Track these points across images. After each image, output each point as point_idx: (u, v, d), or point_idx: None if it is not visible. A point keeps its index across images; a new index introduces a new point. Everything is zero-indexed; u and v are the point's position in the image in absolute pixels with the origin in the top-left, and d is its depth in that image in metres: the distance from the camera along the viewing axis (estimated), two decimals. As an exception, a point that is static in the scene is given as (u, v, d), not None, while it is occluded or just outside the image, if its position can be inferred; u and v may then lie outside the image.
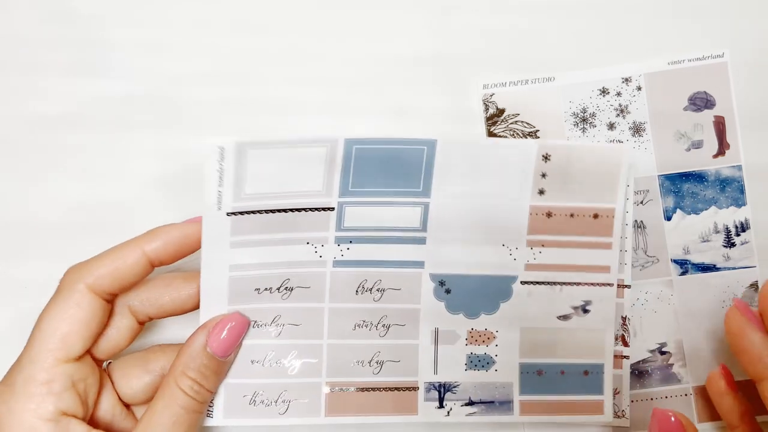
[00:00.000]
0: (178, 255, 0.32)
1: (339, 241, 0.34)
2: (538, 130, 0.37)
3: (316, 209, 0.34)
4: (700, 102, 0.37)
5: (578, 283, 0.35)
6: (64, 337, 0.30)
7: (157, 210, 0.37)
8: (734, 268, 0.37)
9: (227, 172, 0.32)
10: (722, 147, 0.37)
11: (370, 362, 0.35)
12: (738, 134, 0.37)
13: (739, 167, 0.37)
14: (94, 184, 0.37)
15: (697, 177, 0.37)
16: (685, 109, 0.37)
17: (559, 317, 0.35)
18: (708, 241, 0.37)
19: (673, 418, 0.32)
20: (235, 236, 0.33)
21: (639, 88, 0.37)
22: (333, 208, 0.34)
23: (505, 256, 0.35)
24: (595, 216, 0.35)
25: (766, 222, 0.37)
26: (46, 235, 0.37)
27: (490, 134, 0.38)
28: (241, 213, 0.33)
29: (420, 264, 0.35)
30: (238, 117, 0.37)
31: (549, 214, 0.35)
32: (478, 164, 0.34)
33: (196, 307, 0.33)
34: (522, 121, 0.37)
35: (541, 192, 0.34)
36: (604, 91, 0.37)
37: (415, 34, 0.38)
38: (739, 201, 0.37)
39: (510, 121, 0.37)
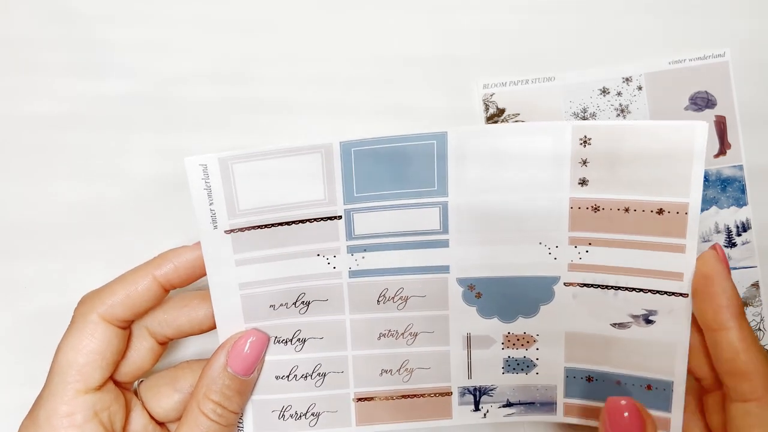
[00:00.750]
0: (191, 278, 0.32)
1: (352, 250, 0.32)
2: (538, 130, 0.37)
3: (321, 219, 0.31)
4: (701, 102, 0.37)
5: (639, 290, 0.31)
6: (81, 369, 0.30)
7: (157, 210, 0.37)
8: (735, 268, 0.37)
9: (216, 190, 0.30)
10: (723, 147, 0.37)
11: (399, 370, 0.33)
12: (739, 134, 0.37)
13: (740, 167, 0.37)
14: (94, 184, 0.37)
15: (698, 177, 0.37)
16: (686, 108, 0.37)
17: (614, 325, 0.31)
18: (709, 241, 0.37)
19: (626, 413, 0.29)
20: (238, 254, 0.31)
21: (640, 88, 0.37)
22: (340, 217, 0.31)
23: (544, 255, 0.31)
24: (660, 211, 0.29)
25: (767, 222, 0.37)
26: (46, 235, 0.37)
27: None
28: (240, 230, 0.31)
29: (444, 268, 0.32)
30: (238, 117, 0.37)
31: (596, 208, 0.30)
32: (499, 154, 0.30)
33: (215, 326, 0.32)
34: (522, 121, 0.37)
35: (583, 182, 0.30)
36: (604, 91, 0.37)
37: (415, 34, 0.38)
38: (740, 201, 0.37)
39: (510, 121, 0.37)
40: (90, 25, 0.38)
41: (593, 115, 0.37)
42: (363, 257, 0.32)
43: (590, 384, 0.32)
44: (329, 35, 0.38)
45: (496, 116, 0.37)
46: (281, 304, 0.32)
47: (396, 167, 0.30)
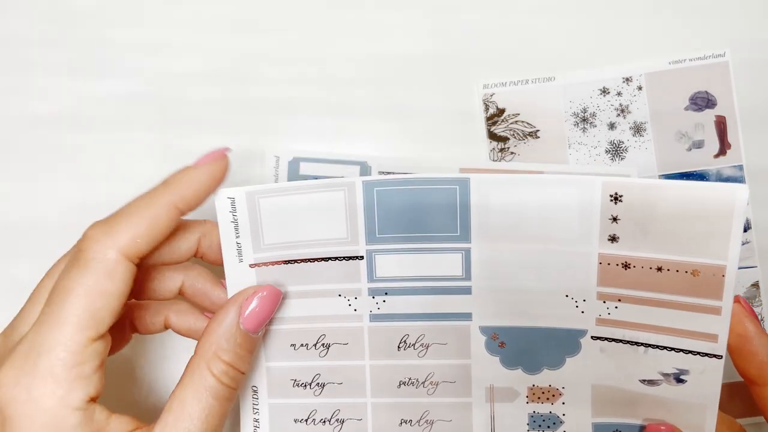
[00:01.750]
0: (206, 197, 0.29)
1: (373, 293, 0.31)
2: (538, 130, 0.37)
3: (344, 258, 0.31)
4: (701, 101, 0.37)
5: (671, 348, 0.29)
6: (96, 314, 0.26)
7: (157, 210, 0.37)
8: (735, 269, 0.37)
9: (242, 223, 0.30)
10: (723, 147, 0.37)
11: (419, 421, 0.32)
12: (739, 134, 0.37)
13: (741, 167, 0.37)
14: (94, 184, 0.37)
15: (698, 177, 0.37)
16: (686, 108, 0.37)
17: (643, 381, 0.30)
18: (709, 241, 0.37)
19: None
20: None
21: (640, 88, 0.37)
22: (362, 257, 0.30)
23: (570, 308, 0.30)
24: (695, 273, 0.28)
25: (767, 222, 0.37)
26: (46, 235, 0.37)
27: (491, 134, 0.37)
28: (264, 264, 0.30)
29: (467, 316, 0.31)
30: (238, 117, 0.37)
31: (626, 266, 0.29)
32: (524, 205, 0.29)
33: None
34: (522, 121, 0.37)
35: (613, 239, 0.29)
36: (604, 91, 0.37)
37: (415, 34, 0.38)
38: (740, 201, 0.37)
39: (510, 121, 0.37)
40: (90, 25, 0.38)
41: (593, 115, 0.37)
42: (384, 301, 0.31)
43: None
44: (329, 35, 0.38)
45: (496, 116, 0.37)
46: (302, 345, 0.31)
47: (418, 210, 0.30)
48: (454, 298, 0.31)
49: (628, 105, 0.37)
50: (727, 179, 0.37)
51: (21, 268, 0.37)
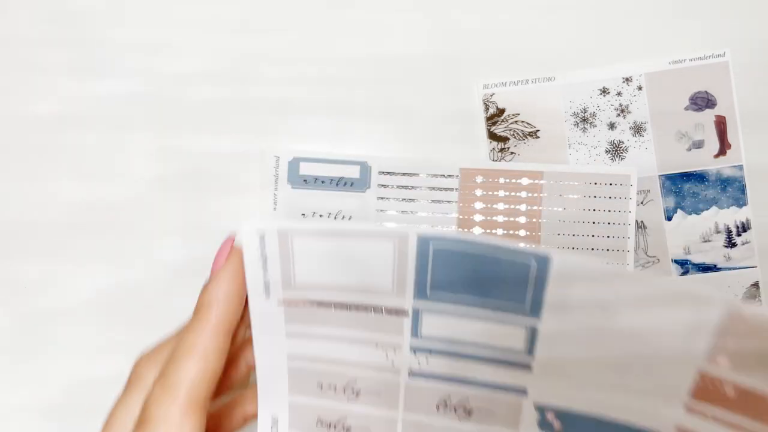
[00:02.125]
0: (243, 299, 0.28)
1: (415, 350, 0.27)
2: (538, 130, 0.37)
3: (386, 311, 0.27)
4: (701, 102, 0.37)
5: None
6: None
7: (157, 210, 0.37)
8: (735, 268, 0.37)
9: (271, 260, 0.27)
10: (723, 147, 0.37)
11: None
12: (739, 134, 0.37)
13: (741, 167, 0.37)
14: (94, 184, 0.37)
15: (698, 177, 0.37)
16: (686, 108, 0.37)
17: None
18: (709, 241, 0.37)
19: None
20: (290, 326, 0.28)
21: (640, 88, 0.37)
22: (407, 313, 0.27)
23: (649, 408, 0.26)
24: None
25: (767, 222, 0.37)
26: (46, 235, 0.37)
27: (491, 134, 0.37)
28: (295, 303, 0.28)
29: (521, 391, 0.27)
30: (238, 117, 0.37)
31: (721, 386, 0.25)
32: (619, 303, 0.24)
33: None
34: (522, 121, 0.37)
35: (718, 362, 0.24)
36: (604, 91, 0.37)
37: (415, 34, 0.38)
38: (740, 201, 0.37)
39: (510, 121, 0.37)
40: (90, 25, 0.38)
41: (593, 115, 0.37)
42: (427, 360, 0.27)
43: None
44: (329, 35, 0.38)
45: (496, 116, 0.37)
46: (330, 386, 0.28)
47: (480, 273, 0.25)
48: (510, 371, 0.26)
49: (628, 105, 0.37)
50: (727, 179, 0.37)
51: (21, 268, 0.37)
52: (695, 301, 0.23)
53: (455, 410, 0.28)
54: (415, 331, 0.27)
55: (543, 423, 0.27)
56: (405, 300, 0.26)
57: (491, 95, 0.37)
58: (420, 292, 0.26)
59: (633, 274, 0.25)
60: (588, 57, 0.37)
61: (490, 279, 0.25)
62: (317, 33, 0.38)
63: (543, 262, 0.24)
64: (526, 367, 0.26)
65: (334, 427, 0.29)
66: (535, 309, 0.25)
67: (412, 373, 0.28)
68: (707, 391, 0.24)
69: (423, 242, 0.25)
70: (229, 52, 0.38)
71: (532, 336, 0.26)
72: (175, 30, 0.38)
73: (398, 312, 0.27)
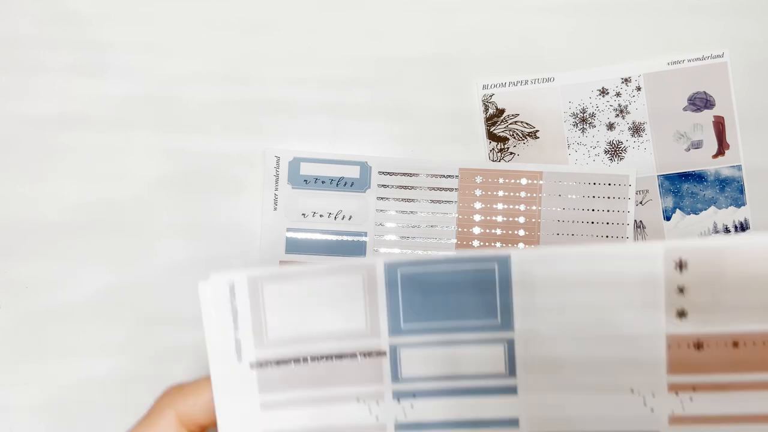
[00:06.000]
0: None
1: (398, 396, 0.26)
2: (537, 131, 0.37)
3: (363, 354, 0.26)
4: (700, 102, 0.37)
5: None
6: None
7: (157, 210, 0.37)
8: (734, 268, 0.37)
9: (242, 314, 0.26)
10: (722, 147, 0.37)
11: None
12: (738, 134, 0.37)
13: (739, 167, 0.37)
14: (94, 184, 0.37)
15: (697, 177, 0.37)
16: (685, 109, 0.37)
17: None
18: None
19: None
20: (265, 395, 0.26)
21: (638, 89, 0.37)
22: (384, 353, 0.26)
23: (638, 406, 0.25)
24: None
25: (765, 222, 0.37)
26: (46, 235, 0.37)
27: (490, 134, 0.37)
28: (268, 364, 0.26)
29: (513, 423, 0.26)
30: (238, 117, 0.37)
31: (699, 345, 0.25)
32: (573, 283, 0.25)
33: None
34: (521, 122, 0.37)
35: (682, 314, 0.25)
36: (603, 92, 0.37)
37: (415, 34, 0.38)
38: (738, 201, 0.37)
39: (509, 122, 0.37)
40: (90, 25, 0.38)
41: (592, 116, 0.37)
42: (411, 406, 0.26)
43: None
44: (329, 35, 0.38)
45: (495, 116, 0.37)
46: None
47: (449, 293, 0.26)
48: (496, 401, 0.26)
49: (627, 105, 0.37)
50: (725, 179, 0.37)
51: (21, 268, 0.37)
52: (639, 255, 0.24)
53: None
54: (395, 373, 0.26)
55: None
56: (380, 339, 0.26)
57: (491, 96, 0.37)
58: (394, 326, 0.26)
59: (581, 250, 0.25)
60: (587, 58, 0.37)
61: (460, 297, 0.25)
62: (317, 33, 0.38)
63: (504, 261, 0.25)
64: (512, 390, 0.26)
65: None
66: (507, 319, 0.25)
67: (398, 426, 0.26)
68: (681, 358, 0.25)
69: (391, 270, 0.25)
70: (230, 52, 0.38)
71: (510, 351, 0.26)
72: (175, 30, 0.38)
73: (375, 353, 0.26)
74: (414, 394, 0.26)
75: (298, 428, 0.26)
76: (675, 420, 0.25)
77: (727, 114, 0.37)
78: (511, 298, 0.25)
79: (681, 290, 0.25)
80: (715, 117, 0.37)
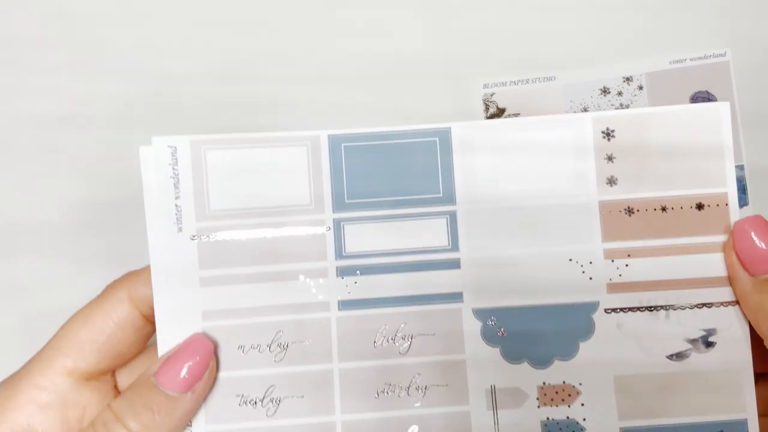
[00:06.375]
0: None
1: (342, 272, 0.26)
2: (538, 130, 0.37)
3: (306, 230, 0.26)
4: (702, 101, 0.37)
5: (693, 305, 0.26)
6: (79, 344, 0.25)
7: (156, 210, 0.37)
8: (736, 269, 0.37)
9: (184, 181, 0.25)
10: (724, 147, 0.37)
11: None
12: (740, 134, 0.37)
13: (741, 167, 0.37)
14: (94, 184, 0.37)
15: (699, 177, 0.37)
16: (687, 108, 0.37)
17: (671, 357, 0.26)
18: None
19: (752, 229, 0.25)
20: (205, 270, 0.25)
21: (640, 88, 0.37)
22: (328, 228, 0.26)
23: (577, 274, 0.26)
24: (700, 206, 0.26)
25: None
26: (46, 235, 0.37)
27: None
28: (209, 236, 0.25)
29: (457, 297, 0.26)
30: (237, 117, 0.37)
31: (630, 211, 0.26)
32: (510, 153, 0.26)
33: None
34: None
35: (612, 181, 0.26)
36: (605, 91, 0.37)
37: (415, 34, 0.38)
38: (741, 201, 0.37)
39: (510, 121, 0.37)
40: (89, 25, 0.38)
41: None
42: (355, 282, 0.26)
43: None
44: (329, 35, 0.38)
45: (496, 116, 0.37)
46: (252, 347, 0.26)
47: (394, 168, 0.26)
48: (440, 275, 0.26)
49: (628, 104, 0.37)
50: (728, 179, 0.37)
51: (21, 268, 0.37)
52: (570, 125, 0.26)
53: (394, 341, 0.26)
54: (338, 249, 0.26)
55: (486, 332, 0.26)
56: (325, 215, 0.26)
57: (491, 95, 0.37)
58: (338, 201, 0.26)
59: (518, 120, 0.27)
60: (588, 56, 0.37)
61: (403, 171, 0.26)
62: (317, 33, 0.38)
63: (445, 135, 0.26)
64: (455, 264, 0.26)
65: (260, 403, 0.25)
66: (449, 191, 0.26)
67: (342, 304, 0.26)
68: (614, 224, 0.26)
69: (335, 143, 0.26)
70: (229, 52, 0.38)
71: (453, 224, 0.26)
72: (175, 30, 0.38)
73: (319, 227, 0.26)
74: (358, 271, 0.26)
75: (239, 307, 0.25)
76: (613, 287, 0.26)
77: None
78: (452, 170, 0.26)
79: (610, 158, 0.26)
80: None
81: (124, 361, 0.27)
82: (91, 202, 0.37)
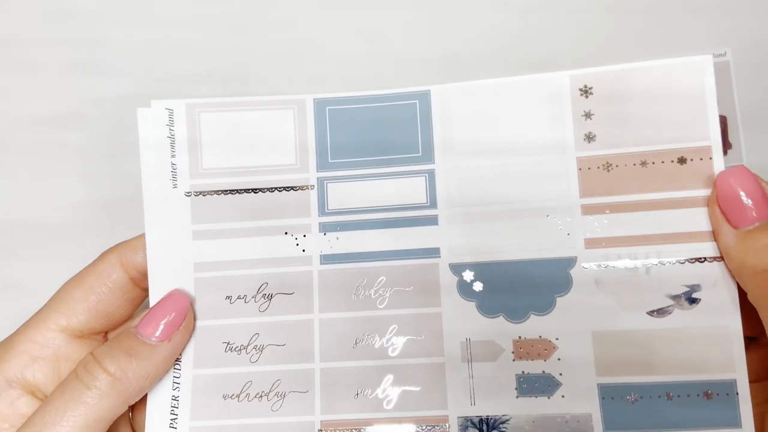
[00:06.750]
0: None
1: (325, 228, 0.27)
2: (538, 130, 0.37)
3: (292, 188, 0.27)
4: (702, 101, 0.37)
5: (675, 261, 0.25)
6: (71, 303, 0.27)
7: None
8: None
9: (180, 141, 0.27)
10: (724, 147, 0.37)
11: (379, 391, 0.26)
12: (740, 134, 0.37)
13: (742, 167, 0.37)
14: (94, 184, 0.37)
15: (699, 177, 0.37)
16: (687, 108, 0.37)
17: (652, 313, 0.25)
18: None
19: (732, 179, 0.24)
20: (197, 224, 0.27)
21: (640, 88, 0.37)
22: (312, 186, 0.27)
23: (554, 230, 0.26)
24: (682, 160, 0.26)
25: None
26: (46, 235, 0.37)
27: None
28: (202, 193, 0.27)
29: (434, 252, 0.27)
30: (237, 117, 0.37)
31: (608, 166, 0.26)
32: (488, 114, 0.26)
33: None
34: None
35: (590, 137, 0.26)
36: (605, 91, 0.37)
37: (416, 34, 0.38)
38: (741, 201, 0.37)
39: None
40: (89, 25, 0.38)
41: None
42: (337, 238, 0.27)
43: (635, 405, 0.25)
44: (329, 35, 0.38)
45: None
46: (239, 297, 0.27)
47: (375, 130, 0.27)
48: (419, 231, 0.27)
49: (628, 105, 0.37)
50: (728, 179, 0.37)
51: (21, 268, 0.37)
52: (546, 84, 0.26)
53: (372, 294, 0.27)
54: (321, 206, 0.27)
55: (462, 286, 0.26)
56: (309, 174, 0.27)
57: (491, 95, 0.37)
58: (322, 161, 0.27)
59: (494, 81, 0.27)
60: (588, 57, 0.37)
61: (384, 133, 0.27)
62: (317, 33, 0.38)
63: (424, 97, 0.27)
64: (433, 220, 0.27)
65: (245, 349, 0.27)
66: (427, 151, 0.27)
67: (324, 258, 0.27)
68: (592, 180, 0.26)
69: (320, 106, 0.28)
70: (229, 51, 0.38)
71: (431, 183, 0.27)
72: (174, 30, 0.38)
73: (303, 188, 0.27)
74: (340, 227, 0.27)
75: (227, 260, 0.27)
76: (591, 243, 0.26)
77: (729, 113, 0.37)
78: (431, 131, 0.27)
79: (588, 115, 0.26)
80: (719, 117, 0.37)
81: (114, 322, 0.28)
82: (91, 202, 0.37)
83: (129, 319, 0.29)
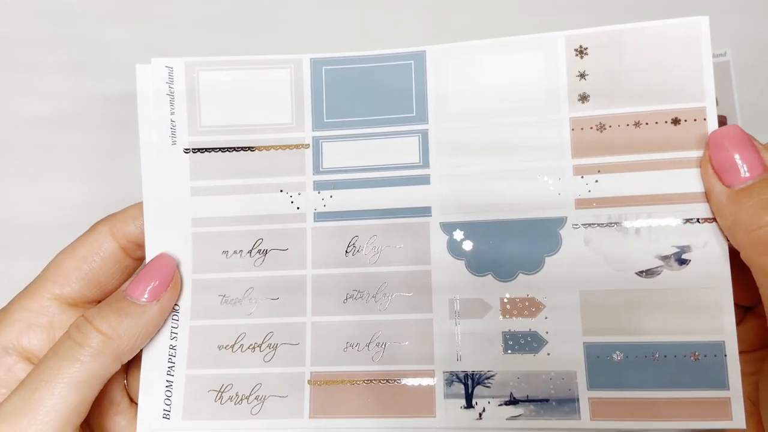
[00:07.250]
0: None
1: (319, 187, 0.28)
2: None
3: (287, 146, 0.28)
4: (702, 101, 0.37)
5: (665, 221, 0.25)
6: (65, 272, 0.28)
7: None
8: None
9: (179, 98, 0.28)
10: (724, 147, 0.37)
11: (367, 345, 0.27)
12: (740, 134, 0.37)
13: (741, 167, 0.37)
14: (94, 184, 0.37)
15: (699, 177, 0.37)
16: (687, 108, 0.37)
17: (641, 273, 0.25)
18: (709, 241, 0.37)
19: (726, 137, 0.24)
20: (196, 180, 0.28)
21: (640, 88, 0.37)
22: (308, 145, 0.28)
23: (545, 190, 0.26)
24: (676, 121, 0.26)
25: None
26: (46, 235, 0.37)
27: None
28: (200, 150, 0.28)
29: (426, 211, 0.27)
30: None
31: (601, 127, 0.26)
32: (484, 73, 0.27)
33: None
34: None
35: (584, 98, 0.26)
36: (605, 91, 0.37)
37: (416, 34, 0.38)
38: (741, 201, 0.37)
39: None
40: (89, 25, 0.38)
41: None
42: (331, 196, 0.27)
43: (620, 364, 0.25)
44: (328, 35, 0.38)
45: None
46: (235, 252, 0.28)
47: (371, 90, 0.27)
48: (411, 190, 0.27)
49: (628, 105, 0.37)
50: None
51: (21, 268, 0.37)
52: (541, 44, 0.26)
53: (364, 252, 0.27)
54: (316, 165, 0.28)
55: (452, 244, 0.27)
56: (305, 133, 0.28)
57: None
58: (317, 120, 0.28)
59: (489, 41, 0.27)
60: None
61: (379, 93, 0.27)
62: (317, 33, 0.38)
63: (420, 57, 0.27)
64: (425, 180, 0.27)
65: (239, 302, 0.28)
66: (422, 111, 0.27)
67: (317, 216, 0.28)
68: (585, 141, 0.26)
69: (316, 66, 0.28)
70: (229, 52, 0.38)
71: (424, 142, 0.27)
72: (174, 29, 0.38)
73: (299, 146, 0.28)
74: (334, 185, 0.28)
75: (224, 215, 0.28)
76: (582, 203, 0.26)
77: (729, 113, 0.37)
78: (425, 91, 0.27)
79: (582, 75, 0.26)
80: (717, 116, 0.37)
81: (107, 291, 0.29)
82: (91, 202, 0.37)
83: (120, 286, 0.30)
